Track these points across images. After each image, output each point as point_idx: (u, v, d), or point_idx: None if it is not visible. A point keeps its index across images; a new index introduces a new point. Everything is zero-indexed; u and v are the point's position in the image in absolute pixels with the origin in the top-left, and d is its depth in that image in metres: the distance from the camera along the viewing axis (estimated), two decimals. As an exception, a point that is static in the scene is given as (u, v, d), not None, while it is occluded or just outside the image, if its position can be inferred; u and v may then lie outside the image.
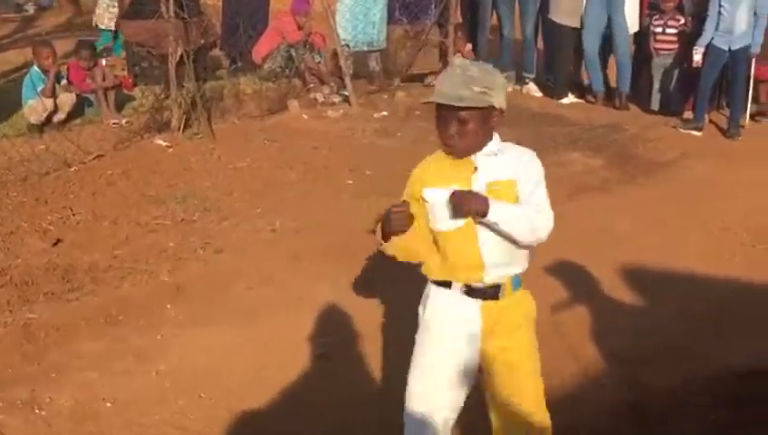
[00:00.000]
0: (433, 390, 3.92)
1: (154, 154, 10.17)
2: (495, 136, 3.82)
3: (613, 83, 13.12)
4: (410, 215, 3.73)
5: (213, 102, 11.45)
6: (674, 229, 8.18)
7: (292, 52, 12.81)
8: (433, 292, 3.95)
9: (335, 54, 12.62)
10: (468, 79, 3.66)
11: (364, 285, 6.82)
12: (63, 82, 11.29)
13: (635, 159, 10.57)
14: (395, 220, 3.70)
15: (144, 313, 6.62)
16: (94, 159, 9.88)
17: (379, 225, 3.81)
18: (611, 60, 13.21)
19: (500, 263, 3.79)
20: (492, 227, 3.69)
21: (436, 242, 3.88)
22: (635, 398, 5.40)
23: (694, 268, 7.23)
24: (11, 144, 10.17)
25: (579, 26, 12.80)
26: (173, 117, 10.84)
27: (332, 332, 6.21)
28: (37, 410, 5.35)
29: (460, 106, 3.64)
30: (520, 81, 13.80)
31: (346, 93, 12.41)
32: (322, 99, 12.45)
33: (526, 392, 3.93)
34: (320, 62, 13.00)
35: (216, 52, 13.94)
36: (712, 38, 11.39)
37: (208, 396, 5.46)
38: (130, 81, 12.76)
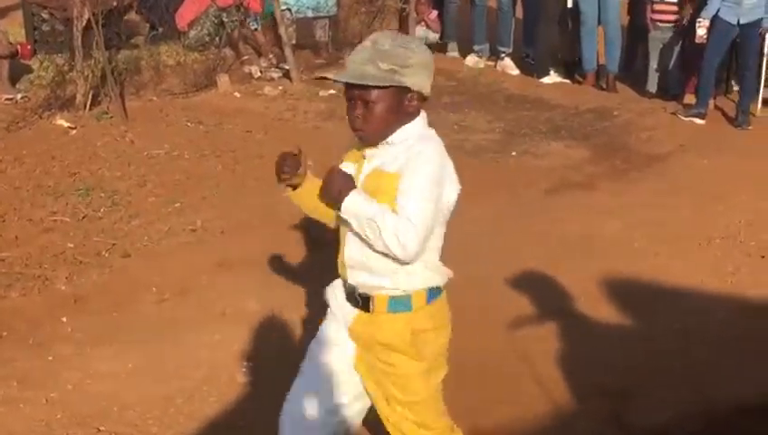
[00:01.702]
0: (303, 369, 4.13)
1: (54, 137, 10.07)
2: (416, 124, 3.80)
3: (602, 61, 13.12)
4: (297, 162, 3.84)
5: (127, 76, 11.35)
6: (670, 236, 8.14)
7: (223, 16, 12.75)
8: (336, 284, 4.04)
9: (274, 21, 12.54)
10: (377, 54, 3.64)
11: (297, 298, 6.75)
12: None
13: (626, 150, 10.59)
14: (276, 164, 3.83)
15: (34, 328, 6.54)
16: (-20, 141, 9.79)
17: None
18: (599, 34, 13.18)
19: (359, 266, 3.80)
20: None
21: None
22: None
23: (692, 283, 7.21)
24: None
25: (566, -7, 12.82)
26: (78, 92, 10.75)
27: (259, 354, 6.14)
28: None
29: (362, 85, 3.65)
30: (494, 55, 13.78)
31: (287, 67, 12.36)
32: (258, 73, 12.41)
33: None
34: (256, 30, 12.93)
35: (132, 15, 13.80)
36: (718, 9, 11.37)
37: (108, 430, 5.35)
38: (28, 48, 12.61)
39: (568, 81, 13.22)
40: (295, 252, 7.43)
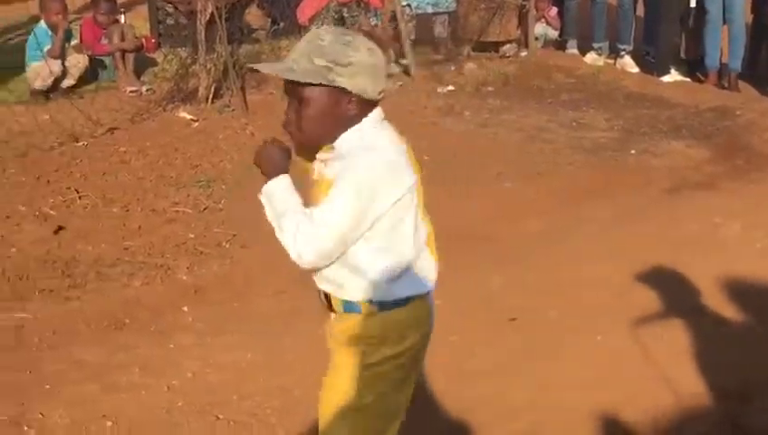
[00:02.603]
0: None
1: (176, 129, 10.20)
2: (364, 128, 3.50)
3: (724, 59, 12.89)
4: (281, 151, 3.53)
5: (248, 70, 11.42)
6: (794, 238, 7.98)
7: (344, 12, 12.74)
8: None
9: (395, 17, 12.55)
10: (314, 48, 3.37)
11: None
12: (74, 41, 11.34)
13: (748, 150, 10.40)
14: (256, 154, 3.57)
15: (155, 317, 6.65)
16: (107, 132, 9.94)
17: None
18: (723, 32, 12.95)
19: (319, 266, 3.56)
20: None
21: None
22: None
23: (817, 286, 7.04)
24: (10, 113, 10.26)
25: (688, -10, 12.62)
26: (200, 85, 10.88)
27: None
28: (26, 428, 5.34)
29: (290, 80, 3.41)
30: (614, 53, 13.63)
31: (405, 63, 12.35)
32: (378, 68, 12.37)
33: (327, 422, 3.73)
34: (376, 25, 12.93)
35: (254, 10, 13.91)
36: None
37: (226, 418, 5.40)
38: (153, 42, 12.80)
39: (689, 79, 13.00)
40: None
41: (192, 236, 7.86)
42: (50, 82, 10.93)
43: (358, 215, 3.35)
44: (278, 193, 3.44)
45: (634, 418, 5.35)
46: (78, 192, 8.57)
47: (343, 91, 3.39)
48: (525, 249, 7.57)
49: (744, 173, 9.67)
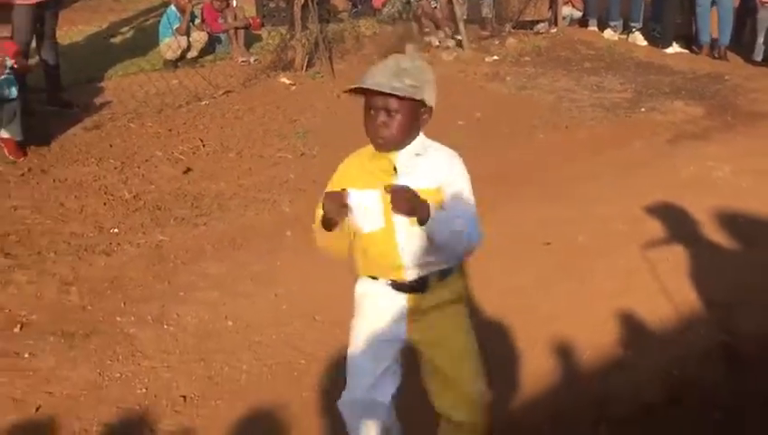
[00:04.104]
0: (360, 363, 3.65)
1: (278, 91, 10.23)
2: (421, 135, 3.49)
3: (715, 35, 12.63)
4: (346, 204, 3.35)
5: (334, 44, 11.40)
6: (773, 178, 7.81)
7: (410, -3, 12.68)
8: (361, 283, 3.68)
9: (450, 1, 12.41)
10: (401, 71, 3.35)
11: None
12: (197, 21, 11.39)
13: (735, 108, 10.17)
14: (330, 205, 3.33)
15: (265, 239, 6.67)
16: (223, 94, 9.99)
17: (320, 210, 3.42)
18: (713, 13, 12.68)
19: (420, 264, 3.49)
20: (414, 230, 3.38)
21: (356, 241, 3.56)
22: (727, 341, 5.18)
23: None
24: (148, 78, 10.34)
25: (686, -21, 12.37)
26: (297, 56, 10.89)
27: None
28: (165, 326, 5.44)
29: (392, 94, 3.32)
30: (626, 29, 13.41)
31: (459, 38, 12.23)
32: (437, 43, 12.30)
33: (460, 366, 3.63)
34: (435, 8, 12.81)
35: (339, -4, 13.83)
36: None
37: (322, 320, 5.44)
38: (259, 21, 12.80)
39: (687, 51, 12.76)
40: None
41: (292, 176, 7.87)
42: (178, 53, 11.01)
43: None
44: (440, 220, 3.30)
45: (644, 320, 5.36)
46: (202, 141, 8.62)
47: (422, 104, 3.40)
48: (556, 188, 7.50)
49: (732, 127, 9.48)
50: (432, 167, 3.44)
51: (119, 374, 4.93)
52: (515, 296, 5.64)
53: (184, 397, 4.70)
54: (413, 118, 3.40)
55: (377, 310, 3.60)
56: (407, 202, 3.24)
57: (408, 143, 3.44)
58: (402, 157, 3.43)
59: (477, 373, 3.62)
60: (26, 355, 5.09)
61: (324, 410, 4.46)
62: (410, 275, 3.50)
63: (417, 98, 3.36)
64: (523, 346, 5.12)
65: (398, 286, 3.53)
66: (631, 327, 5.31)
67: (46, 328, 5.38)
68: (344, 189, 3.35)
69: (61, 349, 5.17)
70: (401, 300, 3.55)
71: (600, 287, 5.76)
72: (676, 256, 6.19)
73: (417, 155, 3.45)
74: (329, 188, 3.46)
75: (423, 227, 3.28)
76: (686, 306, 5.52)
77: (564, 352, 5.04)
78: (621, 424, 4.40)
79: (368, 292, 3.63)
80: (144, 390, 4.78)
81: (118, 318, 5.52)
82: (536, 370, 4.91)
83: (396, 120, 3.35)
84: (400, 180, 3.36)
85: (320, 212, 3.42)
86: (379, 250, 3.48)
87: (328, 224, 3.42)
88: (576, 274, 5.98)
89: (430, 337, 3.60)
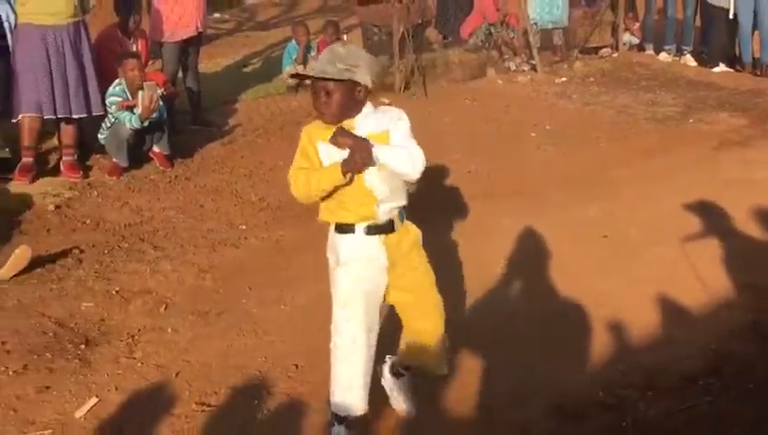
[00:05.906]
0: (355, 315, 3.76)
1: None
2: (368, 106, 3.58)
3: (756, 54, 12.18)
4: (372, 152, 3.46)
5: (427, 69, 11.35)
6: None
7: (492, 29, 12.55)
8: (338, 239, 3.71)
9: (526, 31, 12.26)
10: (334, 57, 3.47)
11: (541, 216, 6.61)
12: (313, 53, 11.44)
13: (775, 119, 9.80)
14: (361, 154, 3.44)
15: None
16: (336, 113, 10.01)
17: (338, 165, 3.49)
18: (755, 35, 12.23)
19: (387, 198, 3.58)
20: (377, 168, 3.50)
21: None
22: (758, 320, 5.00)
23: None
24: (273, 101, 10.51)
25: (729, 7, 11.91)
26: (396, 80, 10.86)
27: (510, 255, 6.05)
28: (282, 306, 5.49)
29: (323, 78, 3.46)
30: (679, 52, 13.04)
31: (533, 63, 12.07)
32: (514, 67, 12.14)
33: (428, 303, 3.81)
34: (513, 38, 12.66)
35: (432, 29, 13.80)
36: None
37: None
38: (364, 52, 12.84)
39: (731, 70, 12.35)
40: (539, 187, 7.29)
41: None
42: (297, 80, 11.06)
43: None
44: (384, 149, 3.46)
45: (685, 302, 5.25)
46: (317, 153, 8.67)
47: (356, 83, 3.49)
48: (614, 189, 7.34)
49: (771, 135, 9.16)
50: (378, 119, 3.58)
51: (243, 346, 5.01)
52: (580, 279, 5.55)
53: (296, 365, 4.75)
54: (348, 97, 3.49)
55: (360, 264, 3.68)
56: (348, 138, 3.43)
57: (352, 116, 3.54)
58: (358, 119, 3.55)
59: (440, 312, 3.83)
60: (169, 330, 5.21)
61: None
62: (381, 211, 3.59)
63: (348, 78, 3.45)
64: (583, 322, 5.06)
65: (371, 229, 3.61)
66: (675, 308, 5.19)
67: (186, 308, 5.50)
68: (365, 139, 3.46)
69: (197, 325, 5.28)
70: (378, 247, 3.64)
71: (648, 274, 5.62)
72: (715, 247, 6.01)
73: (367, 115, 3.56)
74: (303, 152, 3.65)
75: (375, 157, 3.42)
76: (721, 291, 5.37)
77: (617, 329, 4.96)
78: (666, 392, 4.31)
79: (344, 249, 3.68)
80: (263, 359, 4.85)
81: (243, 300, 5.61)
82: (593, 342, 4.86)
83: (333, 99, 3.47)
84: (357, 132, 3.50)
85: (330, 169, 3.53)
86: (350, 192, 3.56)
87: (356, 171, 3.49)
88: (628, 262, 5.85)
89: (402, 283, 3.73)
